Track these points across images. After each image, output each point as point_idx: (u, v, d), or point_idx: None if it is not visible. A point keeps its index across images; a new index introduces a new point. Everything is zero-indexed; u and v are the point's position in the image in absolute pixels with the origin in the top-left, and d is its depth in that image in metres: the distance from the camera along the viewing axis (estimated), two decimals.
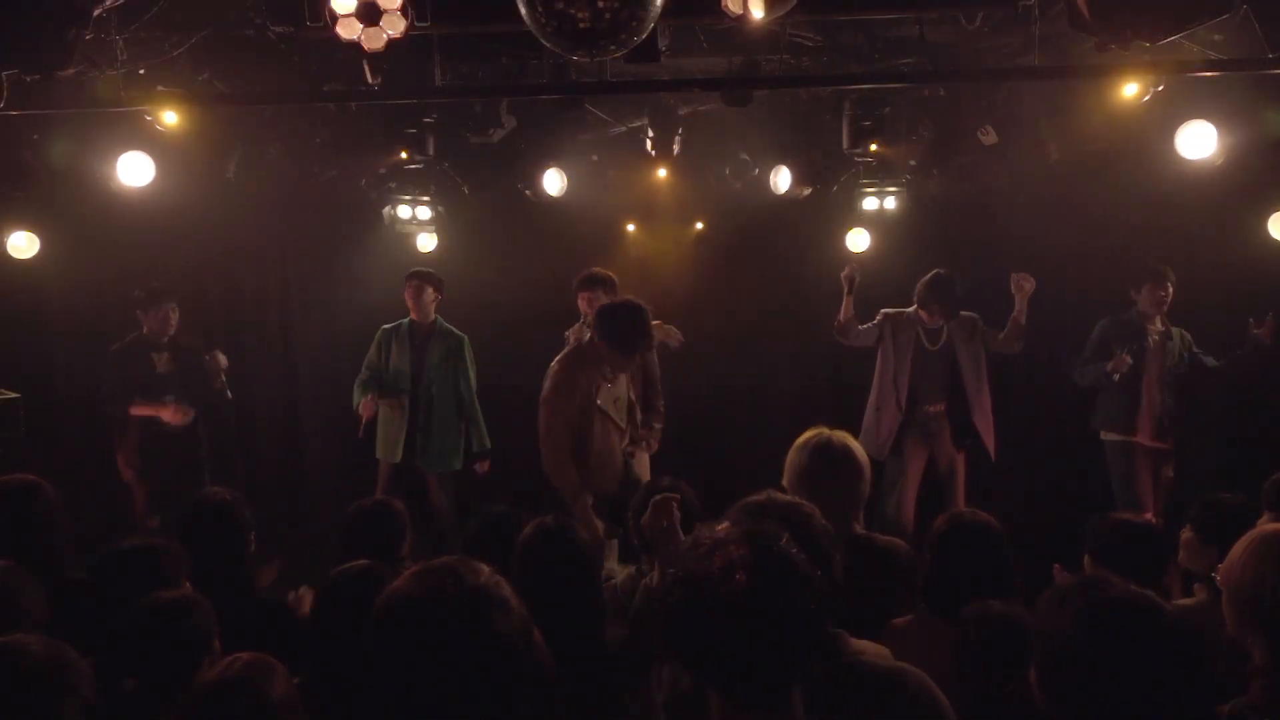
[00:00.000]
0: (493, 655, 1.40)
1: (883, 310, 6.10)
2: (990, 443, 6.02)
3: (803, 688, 1.61)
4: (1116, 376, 5.90)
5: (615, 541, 4.84)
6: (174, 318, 6.05)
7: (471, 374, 6.28)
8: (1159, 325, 6.01)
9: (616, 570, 4.14)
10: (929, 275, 5.98)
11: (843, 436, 3.03)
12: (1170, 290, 5.98)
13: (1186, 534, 3.34)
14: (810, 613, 1.57)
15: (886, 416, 5.98)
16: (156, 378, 6.06)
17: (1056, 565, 3.14)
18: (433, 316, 6.24)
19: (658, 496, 2.64)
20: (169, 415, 5.97)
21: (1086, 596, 1.70)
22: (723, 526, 1.64)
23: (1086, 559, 3.06)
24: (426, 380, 6.17)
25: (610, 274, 5.85)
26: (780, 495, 2.15)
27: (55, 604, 2.65)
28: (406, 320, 6.24)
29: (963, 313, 6.06)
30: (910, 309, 6.03)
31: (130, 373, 6.04)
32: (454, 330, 6.30)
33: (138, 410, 5.99)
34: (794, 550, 1.60)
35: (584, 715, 2.16)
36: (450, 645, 1.39)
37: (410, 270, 6.24)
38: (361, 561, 2.61)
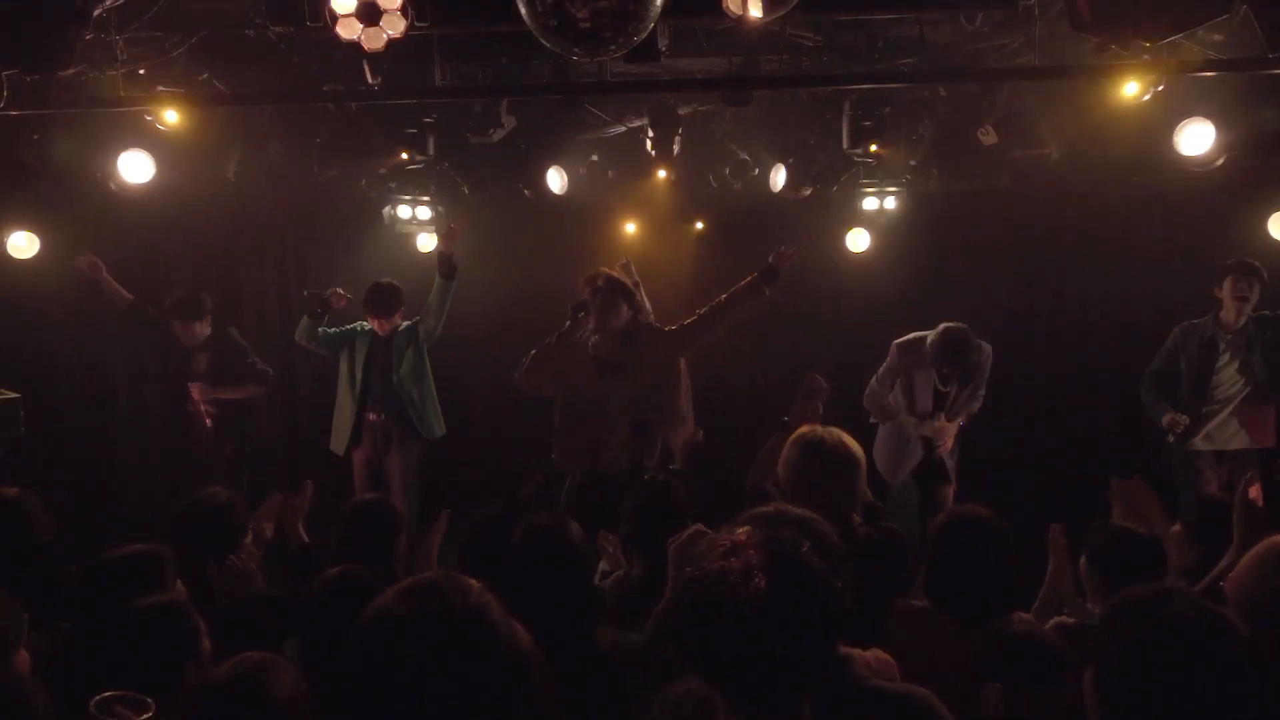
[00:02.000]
0: (478, 678, 1.37)
1: (895, 344, 5.77)
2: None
3: (814, 704, 1.59)
4: (1171, 438, 5.67)
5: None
6: (200, 329, 6.11)
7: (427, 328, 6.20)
8: (1238, 328, 5.54)
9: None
10: (942, 335, 5.44)
11: (836, 433, 3.04)
12: (1255, 288, 5.49)
13: (1175, 530, 3.36)
14: (828, 623, 1.55)
15: (915, 449, 5.80)
16: (192, 377, 6.17)
17: (1056, 526, 3.15)
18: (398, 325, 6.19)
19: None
20: (200, 397, 6.06)
21: (1161, 611, 1.66)
22: (743, 530, 1.61)
23: (1083, 561, 3.07)
24: (398, 382, 6.15)
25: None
26: (791, 509, 2.15)
27: (40, 615, 2.64)
28: (369, 332, 6.20)
29: (978, 343, 5.70)
30: (927, 336, 5.63)
31: (169, 367, 6.18)
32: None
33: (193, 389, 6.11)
34: (816, 559, 1.57)
35: (577, 717, 2.14)
36: (434, 669, 1.36)
37: (371, 291, 6.11)
38: (336, 569, 2.62)
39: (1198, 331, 5.69)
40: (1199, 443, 5.68)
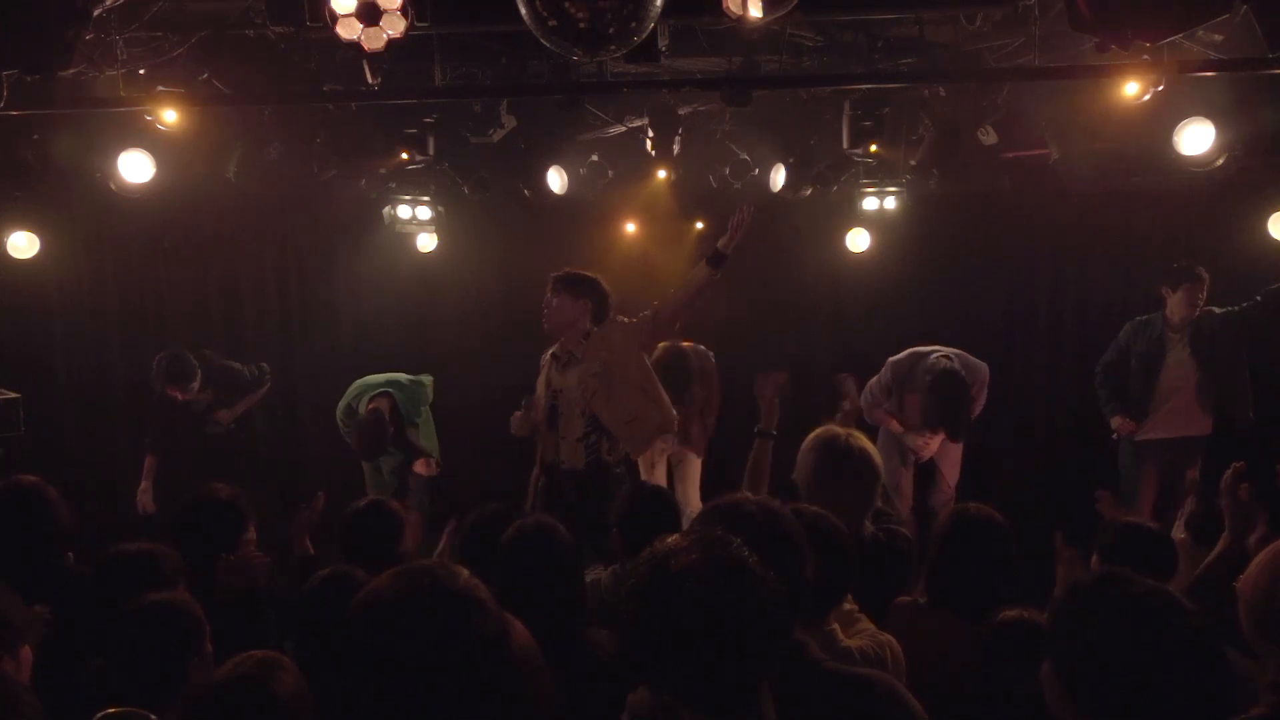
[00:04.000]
0: (464, 659, 1.38)
1: (890, 361, 5.82)
2: (952, 479, 5.94)
3: (773, 693, 1.60)
4: (1115, 436, 5.94)
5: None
6: (189, 392, 6.11)
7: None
8: (1183, 329, 5.79)
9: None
10: (936, 383, 5.48)
11: (857, 436, 3.04)
12: (1205, 294, 5.78)
13: (1180, 536, 3.36)
14: (766, 616, 1.55)
15: (909, 473, 5.91)
16: (197, 412, 6.24)
17: (1058, 534, 3.15)
18: None
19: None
20: (145, 501, 6.11)
21: (1109, 594, 1.69)
22: (675, 537, 1.63)
23: (1094, 560, 3.07)
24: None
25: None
26: (751, 497, 2.16)
27: (59, 600, 2.65)
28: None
29: (973, 363, 5.76)
30: (925, 355, 5.69)
31: (170, 413, 6.16)
32: (413, 390, 6.12)
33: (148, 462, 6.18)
34: (747, 554, 1.58)
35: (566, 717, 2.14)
36: (421, 647, 1.37)
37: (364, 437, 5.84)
38: (327, 569, 2.62)
39: (1147, 329, 5.92)
40: (1149, 433, 5.90)
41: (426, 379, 6.25)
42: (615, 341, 4.77)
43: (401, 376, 6.11)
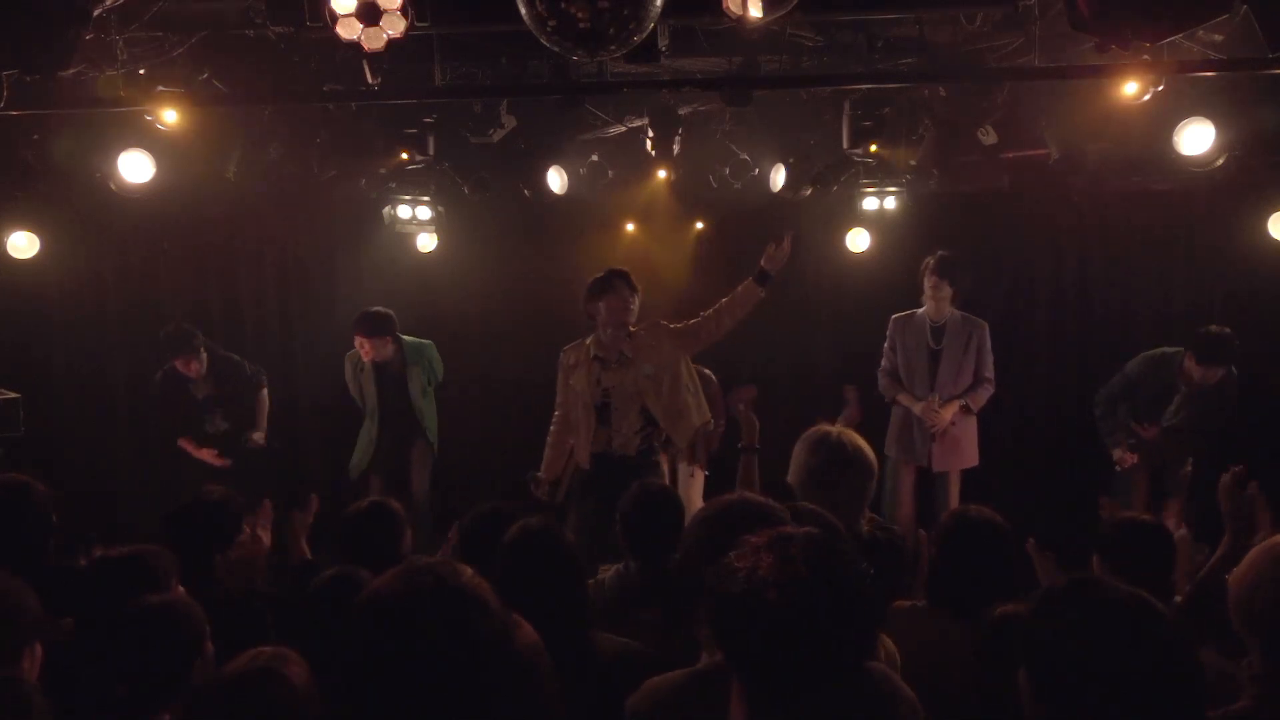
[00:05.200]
0: (468, 655, 1.39)
1: (892, 318, 5.95)
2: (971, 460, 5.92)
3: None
4: (1119, 468, 5.88)
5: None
6: (196, 364, 6.13)
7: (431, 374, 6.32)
8: (1195, 387, 5.63)
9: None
10: (936, 254, 5.78)
11: (850, 435, 3.05)
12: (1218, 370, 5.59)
13: (1180, 532, 3.37)
14: (865, 606, 1.59)
15: (919, 429, 5.85)
16: (197, 403, 6.26)
17: (1030, 540, 3.16)
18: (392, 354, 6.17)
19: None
20: (211, 458, 6.19)
21: (1081, 598, 1.68)
22: (775, 529, 1.67)
23: (1096, 559, 3.07)
24: (411, 400, 6.23)
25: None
26: (751, 495, 2.16)
27: (45, 597, 2.65)
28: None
29: (972, 316, 5.86)
30: (919, 310, 5.85)
31: (172, 401, 6.24)
32: (420, 343, 6.28)
33: (183, 444, 6.26)
34: (848, 547, 1.64)
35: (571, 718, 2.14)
36: (425, 643, 1.38)
37: (361, 323, 6.06)
38: (332, 570, 2.62)
39: (1163, 369, 5.72)
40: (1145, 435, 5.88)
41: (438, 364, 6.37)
42: (666, 348, 4.98)
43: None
